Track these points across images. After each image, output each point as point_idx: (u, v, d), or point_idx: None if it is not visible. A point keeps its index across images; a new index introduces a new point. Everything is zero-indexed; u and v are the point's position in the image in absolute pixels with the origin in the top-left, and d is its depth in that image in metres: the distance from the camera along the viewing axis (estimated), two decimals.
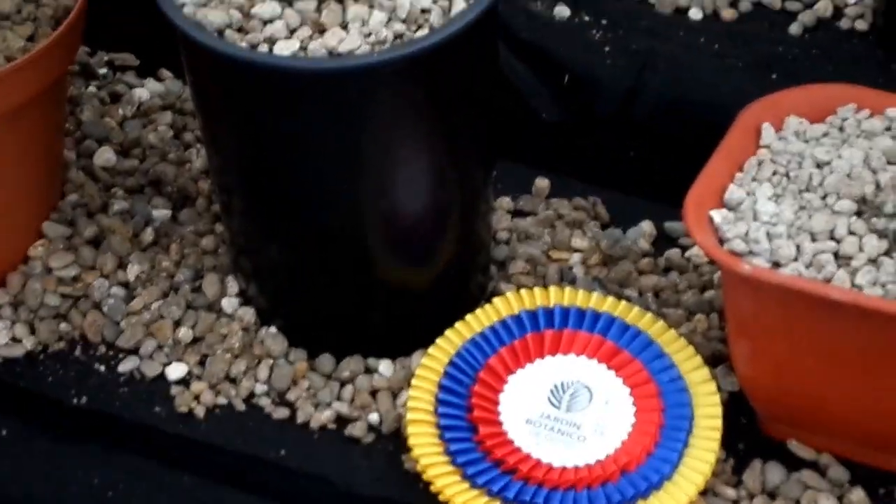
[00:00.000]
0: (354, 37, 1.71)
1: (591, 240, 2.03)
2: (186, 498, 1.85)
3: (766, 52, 2.10)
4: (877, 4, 2.12)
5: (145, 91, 2.19)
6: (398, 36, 1.72)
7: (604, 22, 2.15)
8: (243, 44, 1.73)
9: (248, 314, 1.95)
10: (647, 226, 2.02)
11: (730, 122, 1.83)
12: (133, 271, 2.00)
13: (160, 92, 2.17)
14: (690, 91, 2.07)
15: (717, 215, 1.75)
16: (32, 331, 1.96)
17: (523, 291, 1.88)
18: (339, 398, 1.89)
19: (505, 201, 2.06)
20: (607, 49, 2.12)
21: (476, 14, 1.72)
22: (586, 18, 2.16)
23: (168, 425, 1.87)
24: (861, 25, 2.11)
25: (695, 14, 2.18)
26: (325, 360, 1.92)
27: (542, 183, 2.09)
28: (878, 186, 1.77)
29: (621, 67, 2.10)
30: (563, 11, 2.17)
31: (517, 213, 2.06)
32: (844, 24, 2.13)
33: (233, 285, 1.98)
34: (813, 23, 2.13)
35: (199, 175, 2.04)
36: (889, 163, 1.80)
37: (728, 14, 2.18)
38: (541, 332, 1.84)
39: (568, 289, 1.90)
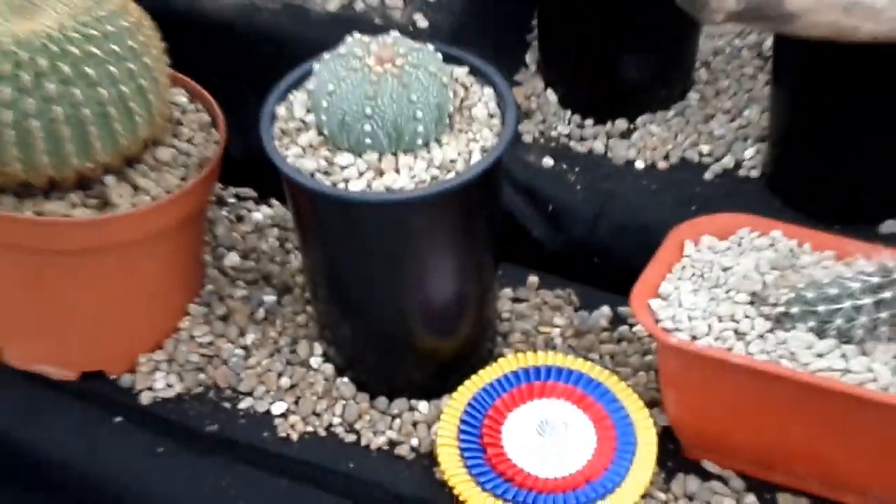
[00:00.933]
0: (404, 178, 1.75)
1: (566, 319, 2.04)
2: (284, 497, 1.88)
3: (688, 192, 2.13)
4: (765, 160, 2.14)
5: (260, 214, 2.21)
6: (434, 178, 1.77)
7: (576, 169, 2.18)
8: (328, 183, 1.77)
9: (329, 369, 1.97)
10: (606, 310, 2.04)
11: (663, 239, 1.88)
12: (249, 339, 2.02)
13: (271, 215, 2.19)
14: (636, 218, 2.09)
15: (654, 303, 1.80)
16: (181, 379, 1.98)
17: (519, 354, 1.90)
18: (390, 428, 1.91)
19: (507, 291, 2.07)
20: (578, 188, 2.14)
21: (487, 164, 1.77)
22: (564, 167, 2.17)
23: (272, 446, 1.91)
24: (754, 173, 2.13)
25: (639, 165, 2.19)
26: (381, 401, 1.94)
27: (532, 279, 2.10)
28: (764, 285, 1.82)
29: (589, 201, 2.13)
30: (548, 161, 2.17)
31: (515, 300, 2.07)
32: (742, 172, 2.15)
33: (318, 349, 1.99)
34: (721, 171, 2.16)
35: (296, 272, 2.08)
36: (772, 268, 1.84)
37: (662, 165, 2.20)
38: (531, 383, 1.87)
39: (550, 353, 1.92)
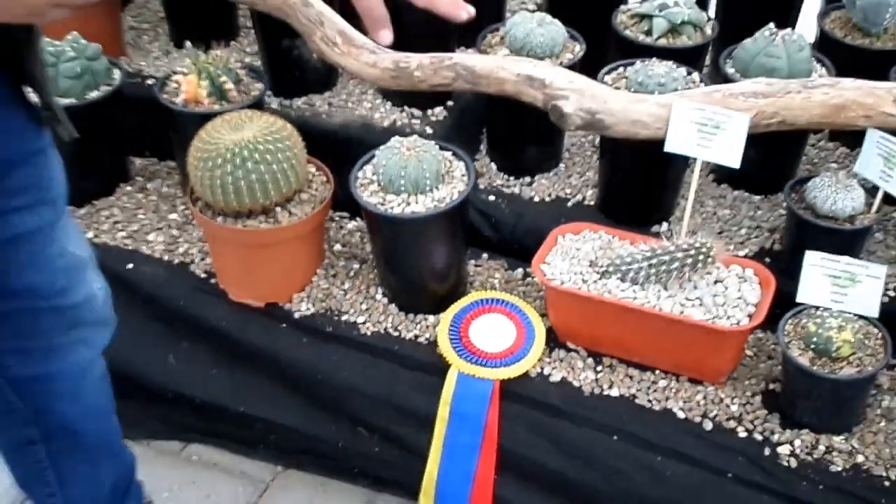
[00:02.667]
0: (420, 206, 1.76)
1: (501, 275, 1.95)
2: (367, 365, 1.82)
3: (560, 212, 2.00)
4: (597, 197, 2.04)
5: (351, 224, 2.10)
6: (435, 206, 1.76)
7: (505, 202, 2.06)
8: (382, 209, 1.77)
9: (385, 300, 1.91)
10: (520, 271, 1.95)
11: (547, 236, 1.82)
12: (346, 286, 1.95)
13: (357, 225, 2.08)
14: (534, 225, 1.97)
15: (543, 267, 1.80)
16: (313, 305, 1.90)
17: (478, 292, 1.87)
18: (416, 329, 1.87)
19: (472, 262, 1.97)
20: (507, 211, 2.04)
21: (461, 199, 1.78)
22: (499, 200, 2.06)
23: (359, 338, 1.85)
24: (592, 204, 2.03)
25: (536, 199, 2.05)
26: (411, 316, 1.89)
27: (484, 255, 1.99)
28: (595, 257, 1.79)
29: (512, 217, 2.03)
30: (491, 198, 2.04)
31: (476, 266, 1.97)
32: (587, 203, 2.02)
33: (380, 291, 1.92)
34: (576, 203, 2.04)
35: (369, 254, 1.99)
36: (599, 248, 1.81)
37: (547, 199, 2.05)
38: (483, 306, 1.84)
39: (492, 292, 1.88)
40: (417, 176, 1.76)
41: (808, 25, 2.24)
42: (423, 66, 1.84)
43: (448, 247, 1.85)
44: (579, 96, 1.73)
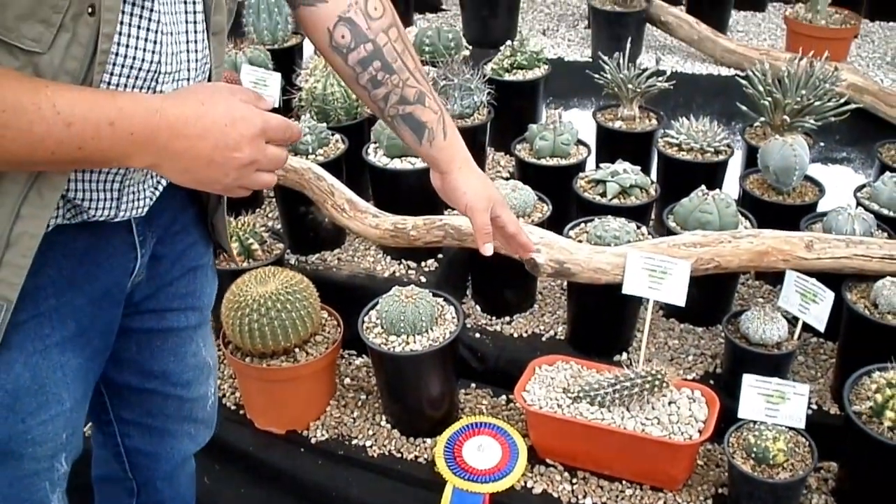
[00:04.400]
0: (419, 345, 1.81)
1: (488, 401, 1.95)
2: None
3: (535, 346, 2.02)
4: (567, 332, 2.02)
5: (359, 360, 2.10)
6: (430, 344, 1.80)
7: (489, 338, 2.06)
8: (386, 348, 1.81)
9: (389, 425, 1.90)
10: (504, 397, 1.93)
11: (526, 367, 1.85)
12: (355, 413, 1.94)
13: (364, 361, 2.07)
14: (515, 357, 1.99)
15: (524, 395, 1.83)
16: (327, 432, 1.90)
17: (468, 417, 1.87)
18: (416, 451, 1.87)
19: (462, 391, 1.96)
20: (490, 346, 2.05)
21: (452, 337, 1.83)
22: (484, 337, 2.06)
23: (368, 467, 1.90)
24: (563, 338, 2.02)
25: (515, 335, 2.04)
26: (411, 439, 1.87)
27: (472, 385, 2.00)
28: (568, 384, 1.82)
29: (495, 350, 2.03)
30: (477, 335, 2.04)
31: (465, 394, 1.96)
32: (559, 337, 2.03)
33: (385, 417, 1.92)
34: (549, 338, 2.03)
35: (374, 386, 1.98)
36: (571, 377, 1.85)
37: (525, 335, 2.05)
38: (473, 430, 1.85)
39: (481, 416, 1.88)
40: (415, 319, 1.83)
41: (731, 185, 2.31)
42: (417, 226, 1.98)
43: (442, 379, 1.88)
44: (549, 249, 1.84)
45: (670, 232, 2.00)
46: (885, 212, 2.06)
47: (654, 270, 1.79)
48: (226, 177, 0.92)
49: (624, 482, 1.77)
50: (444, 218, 1.92)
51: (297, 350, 1.89)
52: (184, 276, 1.23)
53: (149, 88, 0.97)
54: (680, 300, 1.78)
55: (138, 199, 1.06)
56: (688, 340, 2.07)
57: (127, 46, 0.93)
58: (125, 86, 0.94)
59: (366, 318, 1.91)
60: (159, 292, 1.21)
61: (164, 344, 1.25)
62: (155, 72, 0.96)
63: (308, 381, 1.89)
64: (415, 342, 1.82)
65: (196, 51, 1.01)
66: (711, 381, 1.91)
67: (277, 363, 1.86)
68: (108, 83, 0.93)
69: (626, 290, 1.81)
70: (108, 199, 1.01)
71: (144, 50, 0.94)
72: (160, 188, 1.10)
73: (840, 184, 2.46)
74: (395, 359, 1.80)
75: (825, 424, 1.81)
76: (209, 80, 1.05)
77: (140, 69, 0.95)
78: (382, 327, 1.86)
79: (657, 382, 1.76)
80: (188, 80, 1.01)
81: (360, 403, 1.99)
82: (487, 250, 1.25)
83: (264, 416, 1.94)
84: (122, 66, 0.93)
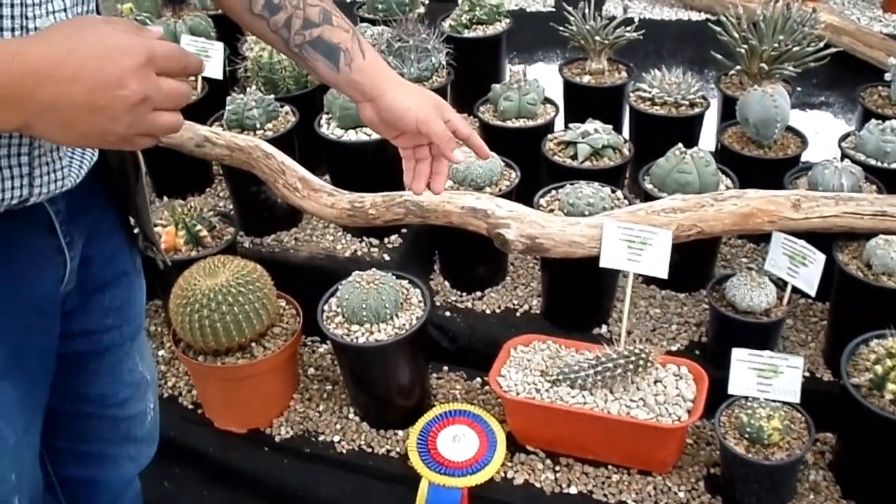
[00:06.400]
0: (383, 334, 1.72)
1: (461, 385, 1.91)
2: None
3: (510, 322, 1.95)
4: (542, 306, 1.97)
5: (323, 347, 2.02)
6: (397, 333, 1.72)
7: (460, 316, 2.00)
8: (348, 339, 1.72)
9: (357, 418, 1.86)
10: (478, 380, 1.89)
11: (500, 348, 1.79)
12: (321, 407, 1.88)
13: (329, 348, 1.99)
14: (488, 336, 1.92)
15: (499, 380, 1.75)
16: (291, 428, 1.85)
17: (441, 405, 1.81)
18: (388, 444, 1.81)
19: (433, 375, 1.92)
20: (462, 324, 1.99)
21: (419, 324, 1.74)
22: (455, 315, 2.00)
23: (334, 456, 1.83)
24: (538, 312, 1.97)
25: (487, 311, 1.98)
26: (381, 431, 1.83)
27: (444, 368, 1.94)
28: (546, 367, 1.75)
29: (466, 329, 1.96)
30: (448, 313, 1.99)
31: (437, 378, 1.92)
32: (534, 312, 1.97)
33: (352, 410, 1.87)
34: (524, 312, 1.97)
35: (339, 376, 1.92)
36: (549, 358, 1.77)
37: (497, 310, 2.00)
38: (447, 418, 1.78)
39: (455, 403, 1.83)
40: (378, 307, 1.73)
41: (708, 140, 2.29)
42: (376, 204, 1.85)
43: (411, 368, 1.80)
44: (519, 223, 1.74)
45: (647, 195, 1.93)
46: (873, 162, 1.96)
47: (633, 241, 1.69)
48: (117, 123, 0.77)
49: (610, 467, 1.71)
50: (405, 194, 1.80)
51: (253, 345, 1.79)
52: (116, 283, 1.11)
53: (21, 29, 0.82)
54: (662, 272, 1.69)
55: (55, 171, 0.91)
56: (670, 308, 2.00)
57: None
58: None
59: (325, 307, 1.81)
60: (91, 307, 1.09)
61: (101, 366, 1.14)
62: (21, 4, 0.82)
63: (267, 376, 1.81)
64: (379, 331, 1.73)
65: None
66: (697, 352, 1.86)
67: (233, 360, 1.77)
68: None
69: (603, 264, 1.72)
70: (17, 177, 0.87)
71: None
72: (82, 157, 0.96)
73: (821, 130, 2.38)
74: (359, 350, 1.72)
75: (819, 392, 1.72)
76: (97, 13, 0.91)
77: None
78: (343, 316, 1.77)
79: (641, 362, 1.66)
80: (65, 10, 0.86)
81: (325, 395, 1.92)
82: (458, 157, 1.13)
83: (223, 415, 1.87)
84: None
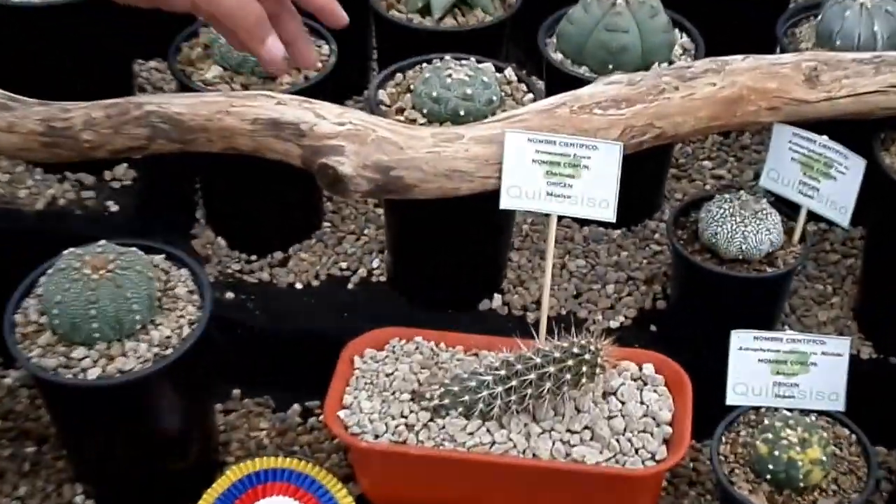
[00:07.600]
0: (132, 359, 1.59)
1: (269, 422, 1.88)
2: None
3: (338, 301, 1.97)
4: (387, 267, 2.01)
5: (10, 377, 1.92)
6: (156, 355, 1.60)
7: (252, 297, 1.99)
8: (69, 373, 1.58)
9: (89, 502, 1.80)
10: (297, 407, 1.88)
11: (328, 345, 1.75)
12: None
13: (21, 377, 1.91)
14: (303, 328, 1.93)
15: (342, 413, 1.67)
16: None
17: (241, 463, 1.70)
18: None
19: (218, 406, 1.88)
20: (257, 312, 1.97)
21: (196, 338, 1.62)
22: (242, 297, 1.97)
23: None
24: (382, 279, 2.00)
25: (298, 286, 1.99)
26: None
27: (236, 392, 1.92)
28: (419, 383, 1.71)
29: (266, 321, 1.95)
30: (229, 295, 1.96)
31: (225, 412, 1.89)
32: (374, 279, 2.00)
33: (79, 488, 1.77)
34: (358, 280, 2.00)
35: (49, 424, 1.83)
36: (422, 368, 1.74)
37: (315, 283, 2.02)
38: (255, 486, 1.69)
39: (264, 458, 1.71)
40: (118, 311, 1.58)
41: None
42: (95, 122, 1.68)
43: (184, 409, 1.69)
44: (360, 145, 1.61)
45: (554, 70, 1.91)
46: None
47: (557, 163, 1.61)
48: None
49: None
50: (147, 99, 1.67)
51: None
52: None
53: None
54: (607, 212, 1.62)
55: None
56: (600, 258, 2.00)
57: None
58: None
59: (18, 318, 1.64)
60: None
61: None
62: None
63: None
64: (124, 354, 1.59)
65: None
66: (652, 327, 1.87)
67: None
68: None
69: (505, 205, 1.65)
70: None
71: None
72: None
73: None
74: (90, 392, 1.58)
75: (856, 377, 1.65)
76: None
77: None
78: (54, 332, 1.61)
79: (585, 365, 1.57)
80: None
81: (26, 467, 1.79)
82: (274, 49, 1.35)
83: None
84: None
